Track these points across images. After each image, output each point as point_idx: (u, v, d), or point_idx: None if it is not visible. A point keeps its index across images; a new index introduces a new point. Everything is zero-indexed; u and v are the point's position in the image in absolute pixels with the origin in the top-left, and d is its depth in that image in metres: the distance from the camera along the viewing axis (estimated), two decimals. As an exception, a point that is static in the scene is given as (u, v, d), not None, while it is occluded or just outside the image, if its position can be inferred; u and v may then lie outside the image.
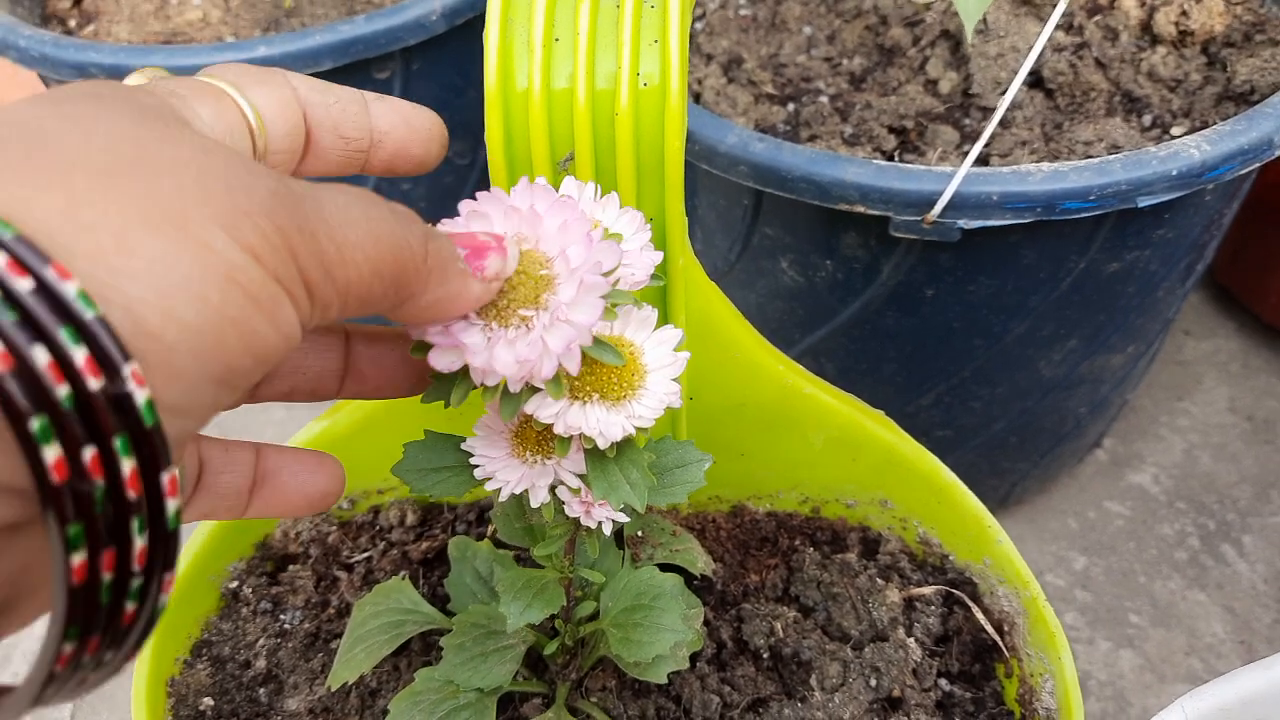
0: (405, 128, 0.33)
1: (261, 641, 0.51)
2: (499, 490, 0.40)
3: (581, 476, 0.39)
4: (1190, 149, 0.53)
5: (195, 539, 0.51)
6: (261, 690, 0.50)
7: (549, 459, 0.39)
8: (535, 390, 0.37)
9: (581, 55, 0.40)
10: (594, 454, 0.39)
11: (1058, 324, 0.63)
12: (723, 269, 0.69)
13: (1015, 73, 0.65)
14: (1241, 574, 0.82)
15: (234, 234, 0.21)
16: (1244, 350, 0.97)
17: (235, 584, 0.52)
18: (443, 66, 0.75)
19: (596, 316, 0.35)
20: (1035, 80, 0.66)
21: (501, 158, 0.42)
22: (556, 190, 0.37)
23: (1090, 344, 0.66)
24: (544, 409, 0.37)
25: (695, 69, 0.69)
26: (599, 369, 0.38)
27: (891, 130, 0.63)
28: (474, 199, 0.35)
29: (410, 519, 0.55)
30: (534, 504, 0.40)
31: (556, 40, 0.41)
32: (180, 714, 0.48)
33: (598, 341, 0.37)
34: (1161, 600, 0.80)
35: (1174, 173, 0.53)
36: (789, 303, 0.67)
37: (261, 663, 0.50)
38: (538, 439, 0.40)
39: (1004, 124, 0.62)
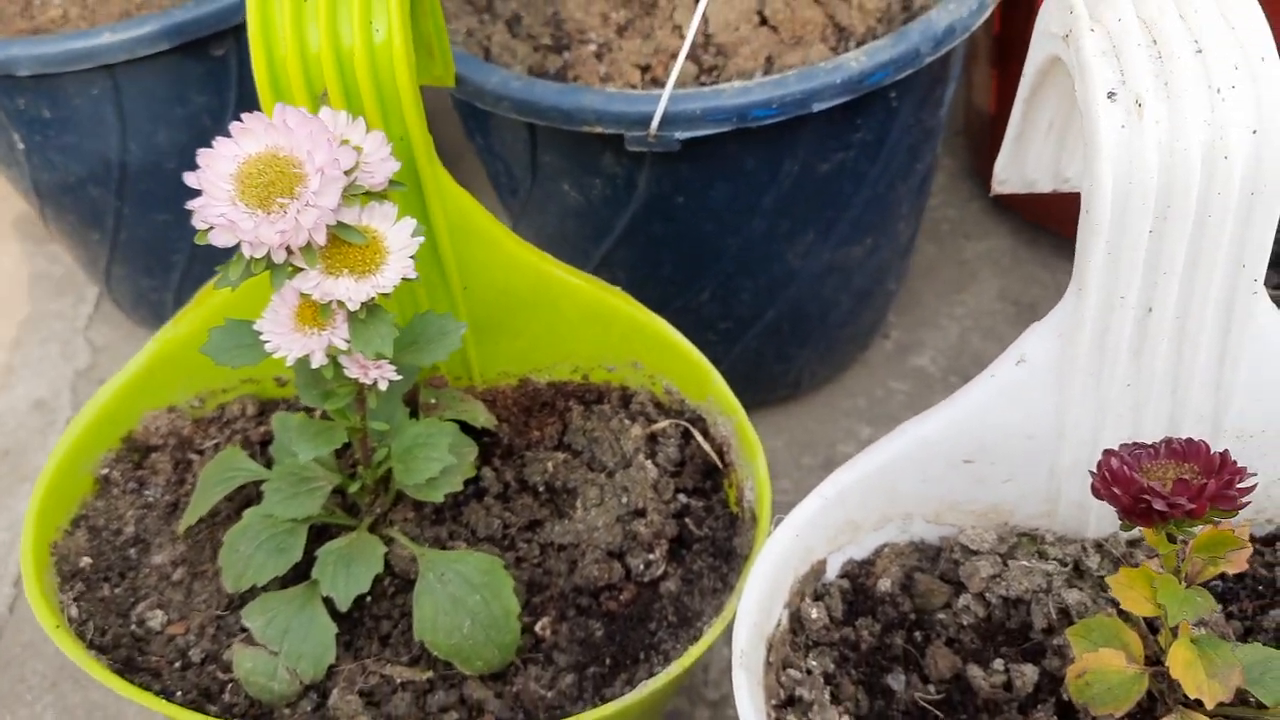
0: None
1: (130, 513, 0.62)
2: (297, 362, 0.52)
3: (349, 342, 0.51)
4: (851, 61, 0.66)
5: (68, 435, 0.62)
6: (131, 550, 0.61)
7: (322, 331, 0.51)
8: (299, 270, 0.49)
9: (323, 21, 0.52)
10: (353, 319, 0.51)
11: (792, 220, 0.77)
12: (523, 198, 0.81)
13: (744, 13, 0.78)
14: (1004, 431, 0.96)
15: None
16: (1014, 247, 1.12)
17: (106, 470, 0.64)
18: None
19: (336, 201, 0.48)
20: (763, 20, 0.79)
21: (269, 98, 0.53)
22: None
23: (827, 237, 0.80)
24: (306, 282, 0.49)
25: (485, 26, 0.81)
26: (348, 250, 0.50)
27: (639, 68, 0.76)
28: (240, 120, 0.48)
29: (250, 410, 0.67)
30: (313, 366, 0.52)
31: (305, 1, 0.53)
32: (63, 570, 0.59)
33: (345, 227, 0.50)
34: (935, 458, 0.95)
35: (838, 81, 0.66)
36: (577, 221, 0.79)
37: (130, 529, 0.62)
38: (312, 315, 0.51)
39: (728, 55, 0.75)
